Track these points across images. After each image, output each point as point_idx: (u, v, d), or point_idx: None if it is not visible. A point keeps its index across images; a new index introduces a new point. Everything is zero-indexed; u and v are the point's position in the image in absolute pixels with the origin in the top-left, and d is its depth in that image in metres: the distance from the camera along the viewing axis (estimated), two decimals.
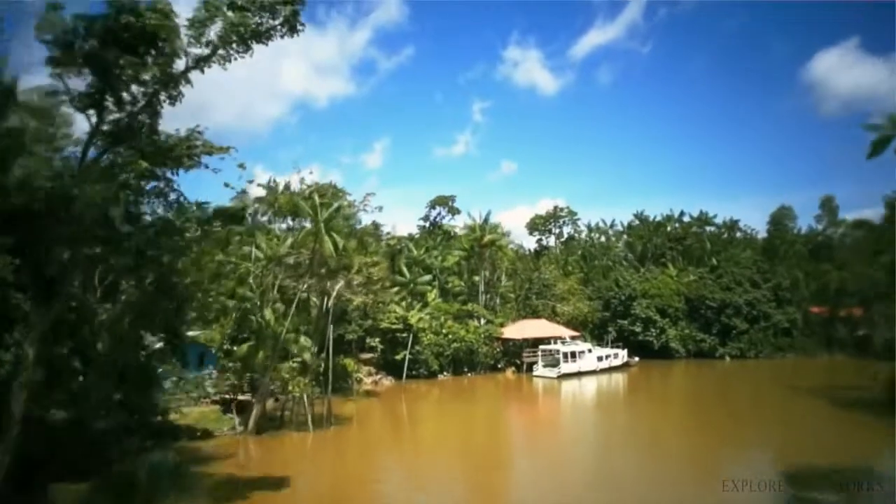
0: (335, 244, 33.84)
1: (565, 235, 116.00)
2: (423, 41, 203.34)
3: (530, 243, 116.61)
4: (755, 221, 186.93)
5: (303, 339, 34.69)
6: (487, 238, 68.46)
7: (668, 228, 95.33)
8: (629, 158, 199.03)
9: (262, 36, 19.60)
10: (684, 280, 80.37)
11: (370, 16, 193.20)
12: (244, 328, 34.88)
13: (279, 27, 19.49)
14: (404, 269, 66.72)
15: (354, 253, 36.24)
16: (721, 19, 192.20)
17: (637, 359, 69.91)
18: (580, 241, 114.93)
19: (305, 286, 34.58)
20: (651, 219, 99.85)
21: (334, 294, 35.41)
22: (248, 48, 19.70)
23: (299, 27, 19.60)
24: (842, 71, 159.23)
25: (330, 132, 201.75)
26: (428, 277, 67.38)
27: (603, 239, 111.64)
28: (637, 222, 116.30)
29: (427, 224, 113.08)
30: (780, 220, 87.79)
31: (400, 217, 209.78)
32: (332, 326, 43.19)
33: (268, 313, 33.71)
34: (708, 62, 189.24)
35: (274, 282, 34.08)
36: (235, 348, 35.94)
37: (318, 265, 33.26)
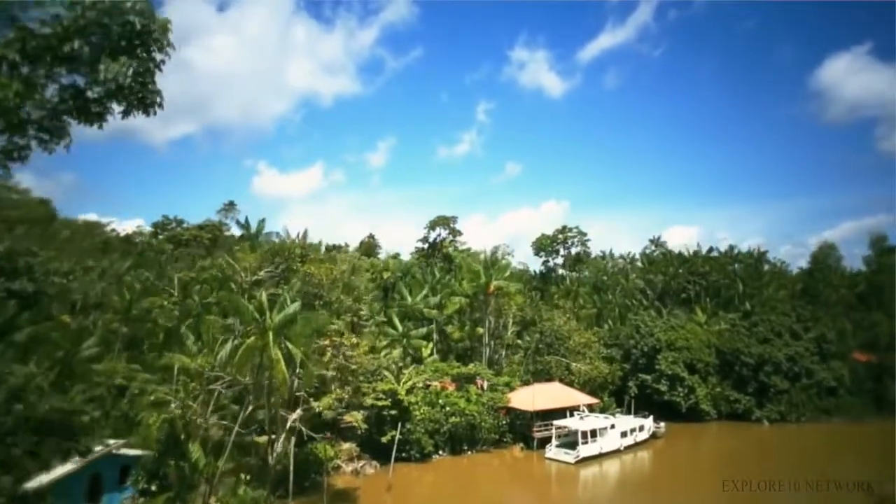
0: (290, 355, 24.13)
1: (573, 256, 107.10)
2: (430, 41, 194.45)
3: (536, 263, 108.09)
4: (759, 224, 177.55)
5: (242, 491, 24.93)
6: (494, 285, 58.63)
7: (694, 260, 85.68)
8: (635, 162, 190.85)
9: (91, 115, 9.85)
10: (715, 328, 70.77)
11: (379, 15, 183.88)
12: (165, 466, 25.21)
13: (116, 98, 9.73)
14: (396, 321, 57.04)
15: (321, 361, 26.77)
16: (731, 23, 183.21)
17: (663, 425, 60.21)
18: (588, 262, 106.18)
19: (247, 414, 24.91)
20: (675, 251, 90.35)
21: (291, 421, 25.97)
22: (59, 135, 9.95)
23: (156, 100, 9.89)
24: (850, 76, 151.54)
25: (335, 130, 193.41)
26: (423, 331, 57.69)
27: (620, 266, 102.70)
28: (653, 248, 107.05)
29: (426, 246, 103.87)
30: (822, 259, 77.42)
31: (400, 218, 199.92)
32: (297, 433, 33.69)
33: (195, 450, 24.01)
34: (716, 66, 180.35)
35: (201, 417, 24.39)
36: (154, 488, 26.23)
37: (264, 391, 23.84)
